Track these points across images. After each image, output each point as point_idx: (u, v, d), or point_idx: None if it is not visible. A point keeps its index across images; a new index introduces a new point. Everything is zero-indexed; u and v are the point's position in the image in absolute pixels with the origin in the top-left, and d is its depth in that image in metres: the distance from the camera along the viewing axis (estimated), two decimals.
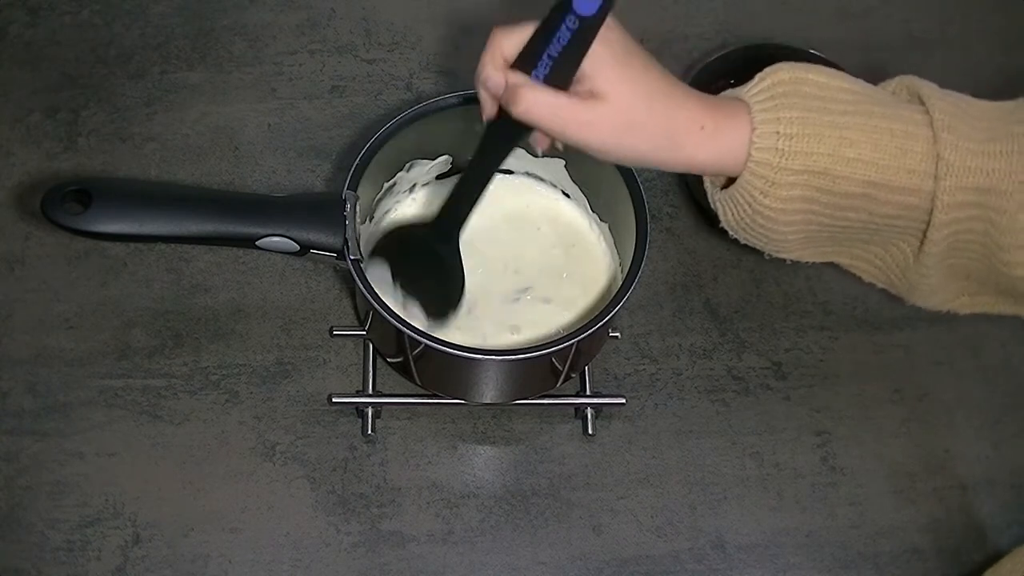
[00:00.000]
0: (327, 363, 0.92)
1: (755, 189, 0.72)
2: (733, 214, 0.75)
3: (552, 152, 0.79)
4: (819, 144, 0.70)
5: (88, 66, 1.03)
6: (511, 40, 0.72)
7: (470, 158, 0.77)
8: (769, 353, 0.94)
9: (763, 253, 0.75)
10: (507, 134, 0.74)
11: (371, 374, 0.90)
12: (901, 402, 0.93)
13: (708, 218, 0.99)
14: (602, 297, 0.89)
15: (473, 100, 0.88)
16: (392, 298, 0.85)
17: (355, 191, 0.83)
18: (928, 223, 0.72)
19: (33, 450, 0.88)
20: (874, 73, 0.78)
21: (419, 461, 0.89)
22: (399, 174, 0.90)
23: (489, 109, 0.74)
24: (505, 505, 0.88)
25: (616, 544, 0.87)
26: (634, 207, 0.84)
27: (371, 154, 0.85)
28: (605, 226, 0.92)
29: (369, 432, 0.89)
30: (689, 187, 1.00)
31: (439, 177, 0.93)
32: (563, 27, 0.70)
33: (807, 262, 0.78)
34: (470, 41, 1.07)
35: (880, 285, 0.80)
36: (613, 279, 0.90)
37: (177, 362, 0.91)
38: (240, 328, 0.93)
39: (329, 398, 0.90)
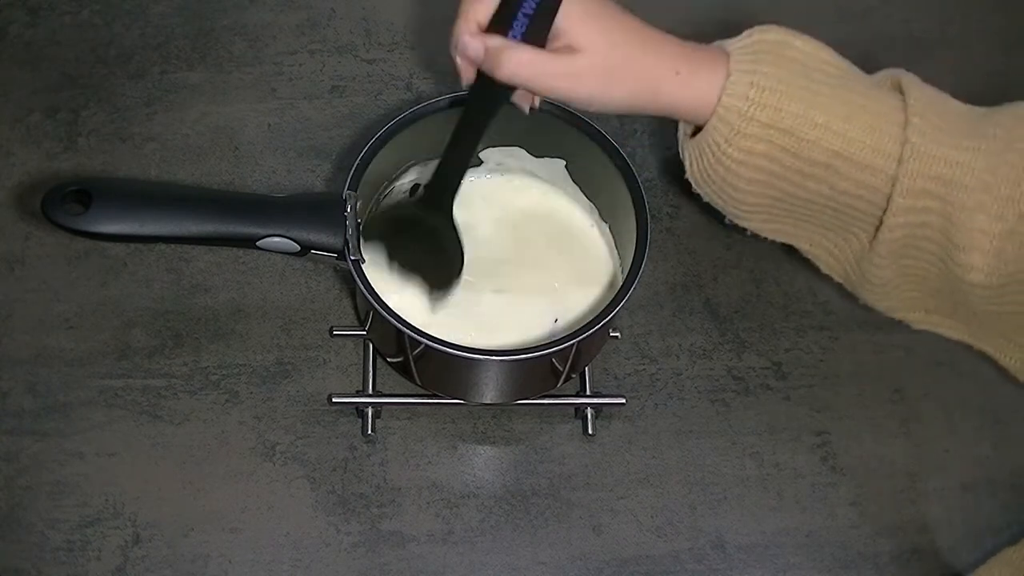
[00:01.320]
0: (327, 363, 0.92)
1: (720, 136, 0.72)
2: (698, 163, 0.75)
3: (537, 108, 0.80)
4: (790, 102, 0.71)
5: (88, 66, 1.03)
6: (483, 5, 0.73)
7: (455, 125, 0.78)
8: (769, 353, 0.94)
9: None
10: (491, 97, 0.75)
11: (371, 374, 0.90)
12: (901, 402, 0.93)
13: (708, 218, 0.99)
14: (602, 297, 0.89)
15: None
16: (388, 281, 0.85)
17: (355, 191, 0.83)
18: (886, 210, 0.72)
19: (33, 450, 0.88)
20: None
21: (419, 461, 0.89)
22: (399, 174, 0.90)
23: (467, 74, 0.75)
24: (505, 505, 0.88)
25: (616, 544, 0.87)
26: (634, 207, 0.84)
27: (371, 154, 0.85)
28: (605, 226, 0.92)
29: (369, 432, 0.89)
30: (689, 187, 1.00)
31: None
32: None
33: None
34: None
35: (836, 278, 0.80)
36: (613, 279, 0.90)
37: (177, 362, 0.91)
38: (240, 328, 0.93)
39: (329, 398, 0.90)
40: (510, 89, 0.75)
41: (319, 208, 0.82)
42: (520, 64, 0.72)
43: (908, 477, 0.90)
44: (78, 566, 0.84)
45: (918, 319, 0.79)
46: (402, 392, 0.91)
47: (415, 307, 0.86)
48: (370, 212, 0.86)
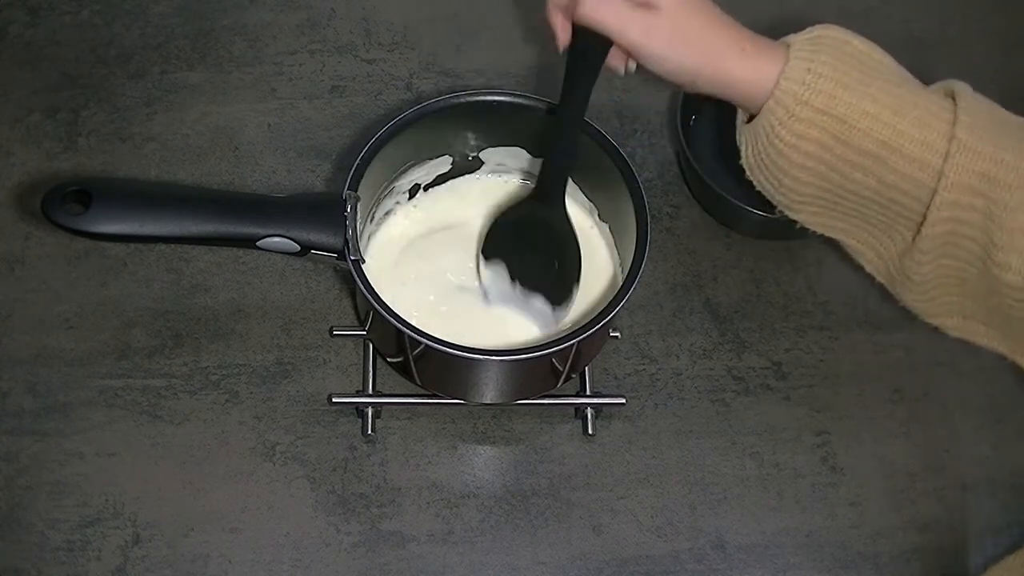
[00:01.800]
0: (327, 363, 0.92)
1: (775, 119, 0.75)
2: (752, 148, 0.78)
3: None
4: (844, 91, 0.74)
5: (88, 66, 1.03)
6: None
7: (559, 107, 0.81)
8: (769, 353, 0.94)
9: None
10: (587, 57, 0.79)
11: (371, 374, 0.90)
12: (901, 402, 0.93)
13: (708, 218, 0.99)
14: (602, 297, 0.89)
15: (472, 102, 0.88)
16: (509, 301, 0.88)
17: (355, 191, 0.83)
18: (930, 204, 0.73)
19: (33, 450, 0.88)
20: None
21: (419, 461, 0.89)
22: (399, 174, 0.90)
23: (562, 34, 0.79)
24: (505, 505, 0.88)
25: (616, 544, 0.87)
26: (634, 207, 0.84)
27: (371, 154, 0.85)
28: (605, 226, 0.92)
29: (369, 432, 0.89)
30: (689, 187, 1.00)
31: (439, 177, 0.93)
32: None
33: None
34: (470, 41, 1.07)
35: (879, 278, 0.81)
36: (613, 279, 0.90)
37: (177, 362, 0.91)
38: (240, 328, 0.93)
39: (329, 398, 0.90)
40: (604, 48, 0.78)
41: (319, 208, 0.82)
42: (601, 3, 0.75)
43: (908, 477, 0.90)
44: (78, 566, 0.84)
45: (955, 325, 0.81)
46: (402, 392, 0.91)
47: (414, 306, 0.86)
48: (489, 231, 0.88)
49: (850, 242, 0.81)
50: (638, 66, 0.79)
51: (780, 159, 0.76)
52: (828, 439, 0.91)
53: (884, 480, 0.90)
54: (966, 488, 0.90)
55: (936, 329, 0.81)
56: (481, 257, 0.88)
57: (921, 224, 0.74)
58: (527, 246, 0.87)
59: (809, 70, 0.74)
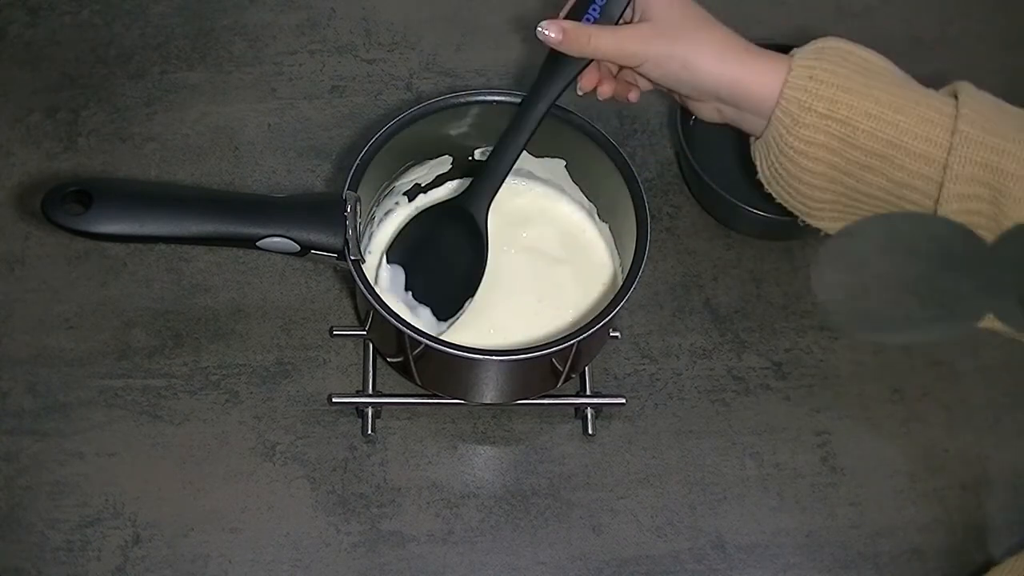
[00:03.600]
0: (327, 363, 0.92)
1: (782, 127, 0.76)
2: (765, 159, 0.79)
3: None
4: (846, 94, 0.75)
5: (88, 66, 1.03)
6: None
7: (525, 96, 0.84)
8: (769, 353, 0.94)
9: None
10: (558, 70, 0.82)
11: (371, 374, 0.90)
12: (901, 402, 0.93)
13: (708, 218, 0.99)
14: (602, 297, 0.89)
15: (472, 102, 0.88)
16: (401, 302, 0.87)
17: (355, 191, 0.83)
18: (938, 198, 0.74)
19: (33, 450, 0.88)
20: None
21: (419, 461, 0.89)
22: (399, 174, 0.90)
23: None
24: (505, 505, 0.88)
25: (616, 544, 0.87)
26: (634, 207, 0.84)
27: (371, 154, 0.85)
28: (605, 226, 0.92)
29: (369, 432, 0.89)
30: (689, 187, 1.00)
31: (439, 177, 0.93)
32: None
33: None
34: (470, 41, 1.07)
35: None
36: (613, 279, 0.90)
37: (177, 362, 0.91)
38: (240, 328, 0.93)
39: (329, 398, 0.90)
40: (577, 63, 0.81)
41: (319, 208, 0.82)
42: (599, 40, 0.79)
43: (908, 477, 0.90)
44: (78, 566, 0.84)
45: None
46: (402, 392, 0.91)
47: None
48: (399, 234, 0.89)
49: None
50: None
51: (792, 166, 0.77)
52: (828, 439, 0.91)
53: (884, 480, 0.90)
54: (966, 488, 0.90)
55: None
56: (384, 256, 0.87)
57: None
58: (430, 256, 0.87)
59: (811, 76, 0.75)
